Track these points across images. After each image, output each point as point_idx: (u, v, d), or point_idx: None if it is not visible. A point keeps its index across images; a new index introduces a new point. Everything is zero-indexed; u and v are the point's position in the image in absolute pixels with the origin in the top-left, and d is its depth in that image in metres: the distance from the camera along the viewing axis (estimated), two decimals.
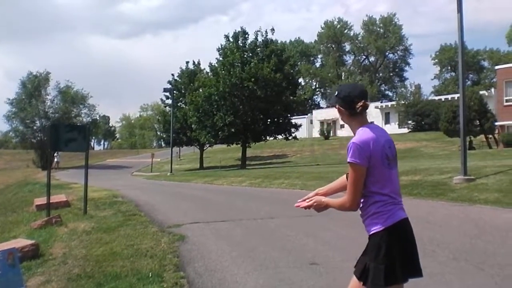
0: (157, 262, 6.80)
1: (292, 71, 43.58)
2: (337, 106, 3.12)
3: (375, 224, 2.98)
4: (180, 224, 10.48)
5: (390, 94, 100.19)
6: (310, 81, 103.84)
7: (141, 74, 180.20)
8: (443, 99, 56.78)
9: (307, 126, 70.63)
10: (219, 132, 40.76)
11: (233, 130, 40.26)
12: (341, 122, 55.34)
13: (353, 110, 3.02)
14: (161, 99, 58.18)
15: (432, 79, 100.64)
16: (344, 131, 61.00)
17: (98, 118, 69.34)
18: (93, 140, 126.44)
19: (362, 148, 2.91)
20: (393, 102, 65.08)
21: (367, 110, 3.05)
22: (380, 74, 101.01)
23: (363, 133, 2.99)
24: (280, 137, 44.41)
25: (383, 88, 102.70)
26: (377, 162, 2.93)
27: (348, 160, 2.94)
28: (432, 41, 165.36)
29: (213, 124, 40.70)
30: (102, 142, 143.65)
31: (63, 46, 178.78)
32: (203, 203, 15.53)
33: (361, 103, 2.98)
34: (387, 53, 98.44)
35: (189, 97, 44.84)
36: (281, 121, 42.83)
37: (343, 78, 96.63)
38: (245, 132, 41.61)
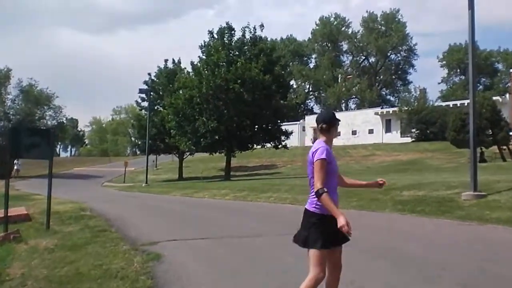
0: (128, 284, 6.74)
1: (283, 72, 43.62)
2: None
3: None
4: (155, 241, 10.42)
5: (392, 99, 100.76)
6: (303, 84, 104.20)
7: (114, 73, 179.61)
8: (451, 105, 57.06)
9: (299, 134, 70.75)
10: (201, 139, 40.66)
11: (216, 137, 40.18)
12: (339, 130, 55.79)
13: (318, 130, 4.91)
14: (136, 101, 58.02)
15: (439, 83, 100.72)
16: (340, 140, 61.16)
17: (64, 121, 68.90)
18: (58, 146, 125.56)
19: None
20: (395, 108, 65.28)
21: (329, 130, 4.87)
22: (381, 77, 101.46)
23: None
24: (268, 145, 44.36)
25: (384, 93, 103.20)
26: None
27: None
28: (440, 40, 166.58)
29: (195, 130, 40.60)
30: (69, 149, 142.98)
31: (26, 40, 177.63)
32: (182, 218, 15.47)
33: (320, 125, 4.89)
34: (389, 54, 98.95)
35: (167, 99, 44.72)
36: (270, 127, 42.81)
37: (339, 80, 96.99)
38: (230, 139, 41.53)
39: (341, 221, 4.41)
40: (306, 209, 4.73)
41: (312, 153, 4.68)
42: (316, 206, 4.62)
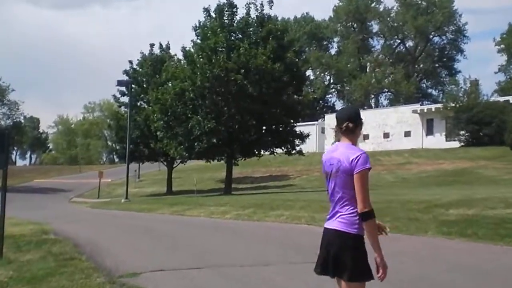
0: None
1: (297, 60, 43.62)
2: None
3: None
4: (137, 272, 10.39)
5: (435, 93, 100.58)
6: (322, 75, 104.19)
7: (85, 60, 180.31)
8: (511, 101, 56.89)
9: (317, 137, 70.75)
10: (195, 143, 40.63)
11: (214, 140, 40.18)
12: (365, 132, 54.84)
13: (340, 130, 4.89)
14: (114, 96, 58.11)
15: (495, 73, 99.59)
16: (369, 144, 61.08)
17: (22, 121, 69.21)
18: (14, 152, 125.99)
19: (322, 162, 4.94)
20: (439, 105, 65.04)
21: (354, 130, 4.85)
22: (421, 65, 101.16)
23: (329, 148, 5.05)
24: (279, 151, 44.36)
25: (424, 85, 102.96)
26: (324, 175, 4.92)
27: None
28: (497, 19, 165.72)
29: (187, 132, 40.58)
30: (28, 155, 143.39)
31: None
32: (171, 242, 15.45)
33: (345, 124, 4.82)
34: (431, 36, 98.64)
35: (153, 93, 44.75)
36: (280, 129, 42.82)
37: (368, 70, 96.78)
38: (231, 143, 41.56)
39: (383, 263, 4.57)
40: (339, 230, 4.66)
41: (352, 161, 4.60)
42: (358, 227, 4.59)
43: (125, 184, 44.23)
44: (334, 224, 4.68)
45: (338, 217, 4.66)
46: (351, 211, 4.58)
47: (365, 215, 4.46)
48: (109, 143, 63.76)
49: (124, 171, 47.50)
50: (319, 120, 75.52)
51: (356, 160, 4.56)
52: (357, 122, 4.83)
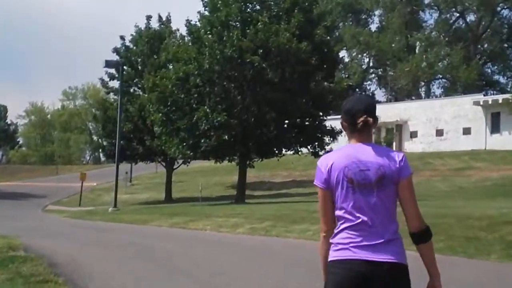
0: None
1: (328, 38, 43.59)
2: (341, 121, 4.62)
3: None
4: None
5: (502, 80, 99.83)
6: (360, 56, 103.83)
7: (66, 34, 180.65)
8: None
9: None
10: (201, 140, 40.71)
11: (225, 137, 40.19)
12: (413, 129, 54.56)
13: (354, 127, 4.47)
14: (102, 80, 58.30)
15: None
16: (418, 144, 60.84)
17: None
18: None
19: (319, 169, 4.49)
20: (507, 95, 64.54)
21: (371, 128, 4.52)
22: (485, 45, 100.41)
23: (334, 151, 4.65)
24: (304, 150, 44.34)
25: (489, 70, 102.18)
26: (335, 185, 4.40)
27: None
28: None
29: (192, 126, 40.65)
30: None
31: None
32: (169, 262, 15.49)
33: (362, 118, 4.40)
34: (499, 8, 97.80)
35: (150, 78, 44.86)
36: (307, 123, 42.84)
37: (417, 51, 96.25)
38: (246, 140, 41.59)
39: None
40: (399, 264, 4.23)
41: (398, 165, 4.32)
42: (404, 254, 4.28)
43: (114, 189, 44.36)
44: (387, 255, 4.20)
45: (392, 244, 4.24)
46: (398, 235, 4.27)
47: (426, 233, 4.27)
48: (94, 138, 64.07)
49: (112, 173, 47.63)
50: None
51: (401, 162, 4.29)
52: (375, 116, 4.47)
